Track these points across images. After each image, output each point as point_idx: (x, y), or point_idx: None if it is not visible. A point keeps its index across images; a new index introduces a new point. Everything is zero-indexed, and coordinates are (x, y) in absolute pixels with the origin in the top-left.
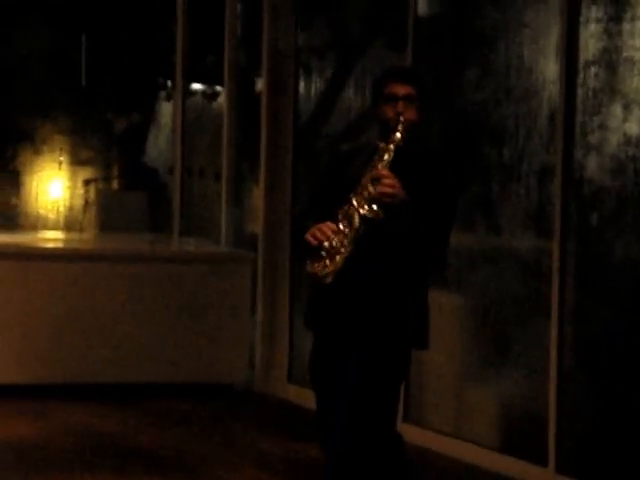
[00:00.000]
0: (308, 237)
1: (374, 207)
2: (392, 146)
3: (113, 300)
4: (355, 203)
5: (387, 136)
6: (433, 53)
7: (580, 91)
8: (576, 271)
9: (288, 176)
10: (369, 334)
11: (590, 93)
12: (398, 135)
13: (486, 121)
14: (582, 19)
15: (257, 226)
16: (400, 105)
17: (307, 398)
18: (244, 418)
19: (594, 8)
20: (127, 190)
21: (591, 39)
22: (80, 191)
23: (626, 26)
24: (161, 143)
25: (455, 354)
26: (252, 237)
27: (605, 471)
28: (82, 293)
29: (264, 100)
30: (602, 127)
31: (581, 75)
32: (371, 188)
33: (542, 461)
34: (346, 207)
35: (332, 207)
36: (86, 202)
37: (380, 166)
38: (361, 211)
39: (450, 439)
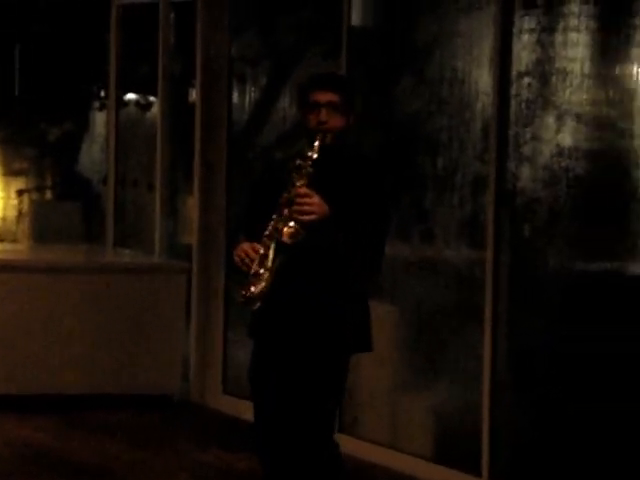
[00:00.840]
0: (235, 258)
1: (292, 228)
2: (309, 162)
3: (47, 311)
4: (274, 225)
5: (307, 149)
6: (367, 62)
7: (513, 102)
8: (509, 281)
9: (222, 186)
10: (305, 346)
11: (523, 104)
12: (313, 154)
13: (420, 131)
14: (515, 30)
15: (191, 237)
16: (323, 113)
17: (242, 409)
18: (179, 429)
19: (527, 19)
20: (61, 200)
21: (524, 50)
22: (13, 201)
23: (559, 37)
24: (95, 153)
25: (389, 364)
26: (186, 248)
27: None
28: (15, 304)
29: (198, 110)
30: (535, 138)
31: (514, 86)
32: (285, 211)
33: (476, 471)
34: (268, 230)
35: (265, 218)
36: (19, 212)
37: (298, 184)
38: (278, 236)
39: (385, 449)
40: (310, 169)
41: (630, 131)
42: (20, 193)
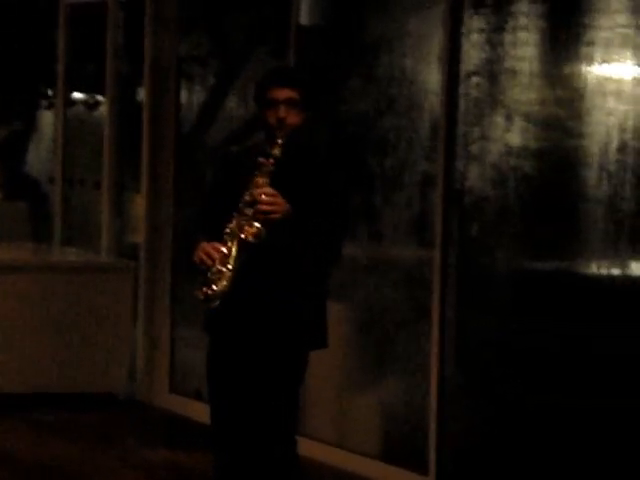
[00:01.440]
0: (195, 257)
1: (255, 227)
2: (271, 160)
3: None
4: (236, 224)
5: (268, 146)
6: (315, 61)
7: (462, 101)
8: (457, 280)
9: (170, 185)
10: (262, 343)
11: (472, 103)
12: (277, 151)
13: (368, 130)
14: (464, 29)
15: (138, 235)
16: (281, 110)
17: (188, 408)
18: (125, 427)
19: (476, 18)
20: (8, 200)
21: (473, 49)
22: None
23: (508, 36)
24: (42, 152)
25: (337, 362)
26: (133, 247)
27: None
28: None
29: (146, 109)
30: (483, 137)
31: (463, 85)
32: (248, 210)
33: (423, 469)
34: (229, 228)
35: (224, 213)
36: None
37: (260, 182)
38: (242, 235)
39: (332, 448)
40: (272, 167)
41: (578, 130)
42: None
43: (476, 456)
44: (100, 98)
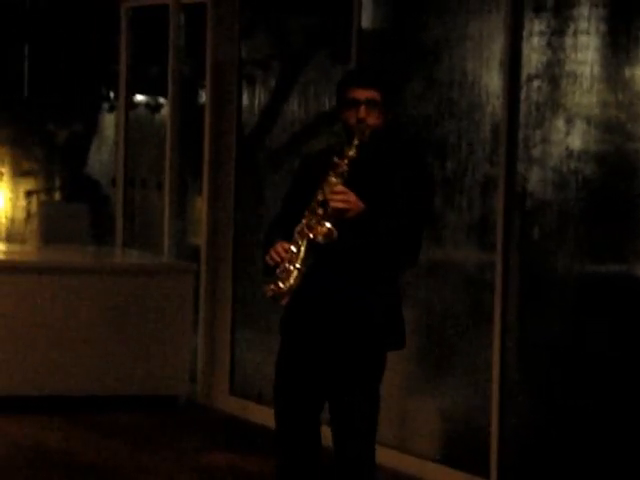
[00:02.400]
0: (267, 258)
1: (326, 227)
2: (346, 161)
3: (56, 312)
4: (306, 223)
5: (345, 147)
6: (377, 65)
7: (523, 105)
8: (518, 284)
9: (231, 188)
10: (338, 344)
11: (533, 107)
12: (352, 152)
13: (430, 133)
14: (525, 33)
15: (199, 237)
16: (362, 110)
17: (249, 410)
18: (186, 430)
19: (537, 22)
20: (69, 202)
21: (534, 53)
22: (22, 203)
23: (568, 40)
24: (104, 154)
25: (398, 366)
26: (195, 249)
27: None
28: (24, 305)
29: (207, 111)
30: (544, 140)
31: (524, 89)
32: (320, 210)
33: (484, 473)
34: (299, 227)
35: (300, 215)
36: (28, 214)
37: (332, 181)
38: (311, 235)
39: (393, 451)
40: (346, 167)
41: (639, 133)
42: (29, 194)
43: (538, 459)
44: (162, 100)
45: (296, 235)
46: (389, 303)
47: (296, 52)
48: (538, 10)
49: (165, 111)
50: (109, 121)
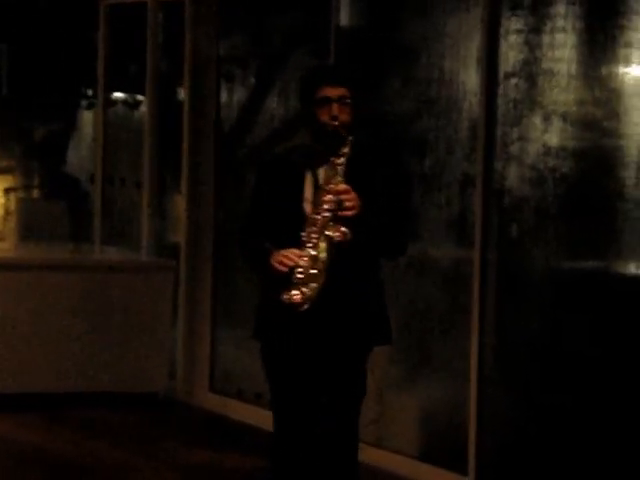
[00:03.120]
0: (275, 264)
1: (342, 230)
2: (343, 159)
3: (34, 309)
4: (321, 225)
5: (331, 144)
6: (355, 62)
7: (500, 102)
8: (496, 280)
9: (210, 185)
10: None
11: (510, 104)
12: (347, 149)
13: (408, 131)
14: (502, 30)
15: (179, 235)
16: (335, 108)
17: (228, 407)
18: (165, 427)
19: (514, 20)
20: (48, 199)
21: (511, 50)
22: (0, 200)
23: (545, 38)
24: (82, 152)
25: (376, 362)
26: (173, 246)
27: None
28: (1, 302)
29: (186, 109)
30: (522, 138)
31: (501, 86)
32: (326, 212)
33: (462, 470)
34: (311, 230)
35: (276, 215)
36: (7, 211)
37: (337, 180)
38: (330, 233)
39: (371, 448)
40: (343, 165)
41: (616, 130)
42: (7, 191)
43: (516, 456)
44: (140, 98)
45: (312, 238)
46: (381, 300)
47: (275, 50)
48: (515, 8)
49: (143, 109)
50: (87, 118)
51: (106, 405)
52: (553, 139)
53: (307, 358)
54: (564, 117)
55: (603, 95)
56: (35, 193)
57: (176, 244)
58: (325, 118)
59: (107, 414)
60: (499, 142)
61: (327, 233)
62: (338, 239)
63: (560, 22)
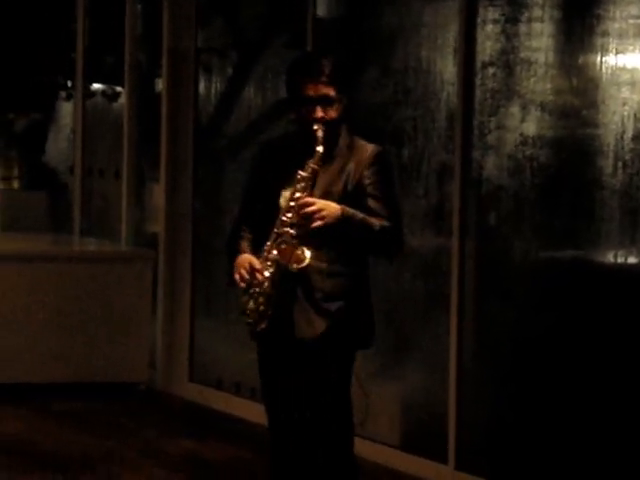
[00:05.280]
0: (236, 276)
1: (299, 253)
2: (316, 162)
3: (14, 300)
4: (277, 247)
5: (310, 143)
6: (332, 53)
7: (478, 92)
8: (475, 269)
9: (189, 175)
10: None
11: (488, 94)
12: (320, 149)
13: (385, 121)
14: (479, 20)
15: (158, 225)
16: (318, 109)
17: (208, 397)
18: (146, 417)
19: (491, 9)
20: (28, 190)
21: (488, 40)
22: None
23: (522, 27)
24: (61, 143)
25: (356, 353)
26: (153, 237)
27: (505, 468)
28: None
29: (164, 100)
30: (499, 127)
31: (479, 76)
32: (292, 229)
33: (442, 458)
34: (270, 245)
35: (268, 204)
36: None
37: (298, 195)
38: (288, 265)
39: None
40: (317, 166)
41: (593, 120)
42: None
43: (495, 445)
44: (119, 89)
45: (266, 254)
46: (366, 303)
47: (252, 40)
48: None
49: (122, 99)
50: (66, 109)
51: (86, 395)
52: (530, 128)
53: (293, 353)
54: (541, 106)
55: (580, 84)
56: (15, 184)
57: (155, 234)
58: (309, 116)
59: (87, 404)
60: (477, 131)
61: (280, 259)
62: (292, 267)
63: (537, 11)
